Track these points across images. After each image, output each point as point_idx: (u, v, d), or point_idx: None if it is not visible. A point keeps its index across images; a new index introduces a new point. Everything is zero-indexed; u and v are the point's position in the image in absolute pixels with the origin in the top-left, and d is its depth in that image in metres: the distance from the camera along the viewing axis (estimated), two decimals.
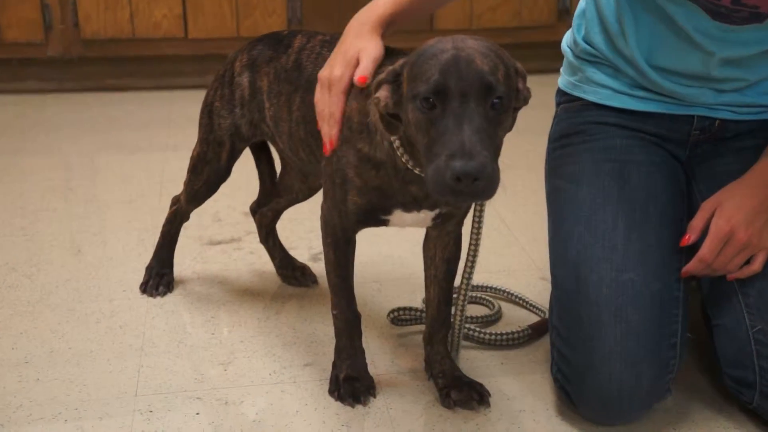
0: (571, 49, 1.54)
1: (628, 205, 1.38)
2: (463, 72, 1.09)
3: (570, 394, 1.34)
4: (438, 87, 1.10)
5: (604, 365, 1.27)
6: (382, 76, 1.19)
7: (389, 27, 1.35)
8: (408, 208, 1.29)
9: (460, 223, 1.40)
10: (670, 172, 1.45)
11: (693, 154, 1.48)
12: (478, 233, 1.41)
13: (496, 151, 1.12)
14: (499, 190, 1.10)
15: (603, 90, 1.48)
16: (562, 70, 1.58)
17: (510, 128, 1.24)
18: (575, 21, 1.53)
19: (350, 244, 1.38)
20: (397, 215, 1.31)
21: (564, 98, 1.56)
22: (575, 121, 1.51)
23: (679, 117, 1.44)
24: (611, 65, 1.46)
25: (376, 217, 1.32)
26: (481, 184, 1.07)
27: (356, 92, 1.28)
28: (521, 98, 1.18)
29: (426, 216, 1.31)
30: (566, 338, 1.34)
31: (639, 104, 1.45)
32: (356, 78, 1.26)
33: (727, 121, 1.44)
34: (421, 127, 1.13)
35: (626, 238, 1.34)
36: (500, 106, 1.11)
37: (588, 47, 1.48)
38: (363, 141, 1.26)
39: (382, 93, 1.18)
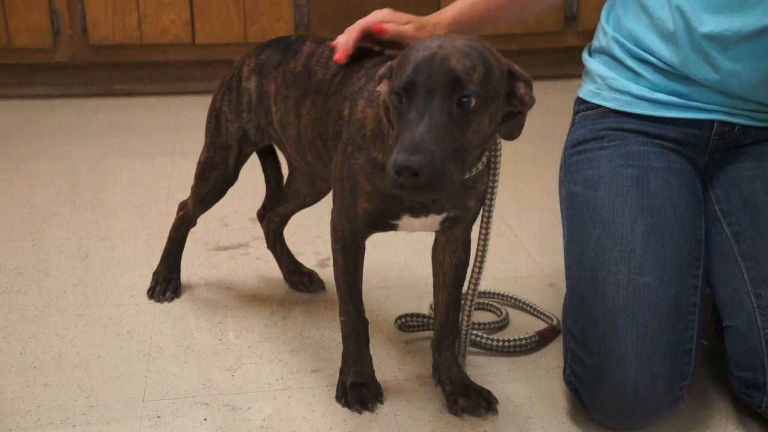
0: (592, 51, 1.56)
1: (647, 210, 1.38)
2: (434, 69, 1.10)
3: (582, 396, 1.34)
4: (408, 83, 1.11)
5: (620, 367, 1.27)
6: (382, 70, 1.21)
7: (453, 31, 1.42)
8: (416, 212, 1.30)
9: (469, 228, 1.40)
10: (688, 179, 1.46)
11: (711, 159, 1.49)
12: (486, 239, 1.41)
13: (458, 149, 1.11)
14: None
15: (622, 96, 1.49)
16: (582, 81, 1.60)
17: (517, 133, 1.25)
18: (603, 15, 1.55)
19: (359, 251, 1.38)
20: (406, 220, 1.31)
21: (583, 106, 1.57)
22: (594, 128, 1.52)
23: (699, 122, 1.45)
24: (637, 60, 1.46)
25: (385, 221, 1.32)
26: (421, 179, 1.06)
27: (370, 100, 1.29)
28: (517, 102, 1.18)
29: (434, 220, 1.32)
30: (581, 340, 1.34)
31: (658, 110, 1.46)
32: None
33: (746, 127, 1.45)
34: (394, 120, 1.15)
35: (644, 242, 1.35)
36: (469, 105, 1.10)
37: (618, 35, 1.49)
38: (377, 149, 1.27)
39: (382, 87, 1.20)
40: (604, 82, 1.51)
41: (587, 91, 1.56)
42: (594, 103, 1.53)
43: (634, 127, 1.47)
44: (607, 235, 1.37)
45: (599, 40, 1.55)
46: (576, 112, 1.59)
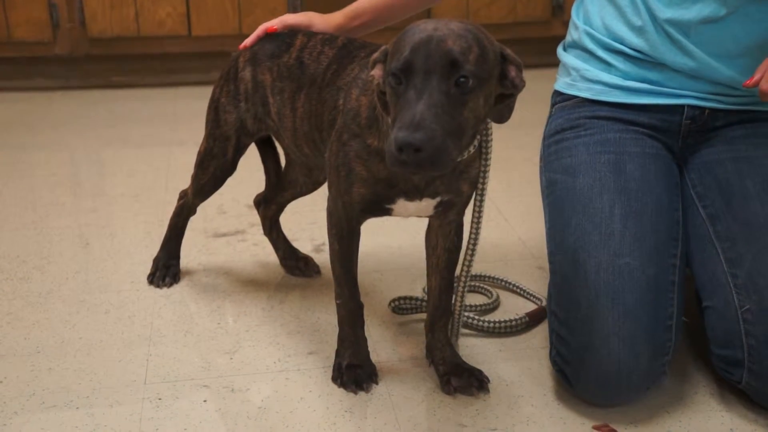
0: (566, 47, 1.61)
1: (625, 194, 1.41)
2: (431, 50, 1.11)
3: (568, 376, 1.37)
4: (405, 64, 1.12)
5: (602, 346, 1.31)
6: (376, 55, 1.23)
7: (351, 21, 1.60)
8: (410, 197, 1.32)
9: (461, 213, 1.42)
10: (664, 163, 1.49)
11: (685, 144, 1.53)
12: (479, 223, 1.43)
13: (456, 128, 1.12)
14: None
15: (596, 86, 1.53)
16: (557, 75, 1.64)
17: (507, 116, 1.27)
18: (573, 11, 1.60)
19: (354, 236, 1.40)
20: (401, 204, 1.33)
21: (559, 98, 1.61)
22: (570, 117, 1.55)
23: (671, 107, 1.49)
24: (608, 50, 1.50)
25: (380, 206, 1.34)
26: (423, 155, 1.07)
27: (365, 89, 1.31)
28: (509, 84, 1.20)
29: (428, 204, 1.34)
30: (565, 321, 1.37)
31: (631, 97, 1.50)
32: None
33: (716, 111, 1.48)
34: (391, 101, 1.16)
35: (623, 225, 1.38)
36: (466, 85, 1.12)
37: (589, 28, 1.53)
38: (372, 136, 1.28)
39: (376, 71, 1.22)
40: (578, 74, 1.55)
41: (562, 83, 1.60)
42: (569, 94, 1.57)
43: (608, 115, 1.51)
44: (587, 219, 1.40)
45: (571, 35, 1.60)
46: (553, 105, 1.63)
